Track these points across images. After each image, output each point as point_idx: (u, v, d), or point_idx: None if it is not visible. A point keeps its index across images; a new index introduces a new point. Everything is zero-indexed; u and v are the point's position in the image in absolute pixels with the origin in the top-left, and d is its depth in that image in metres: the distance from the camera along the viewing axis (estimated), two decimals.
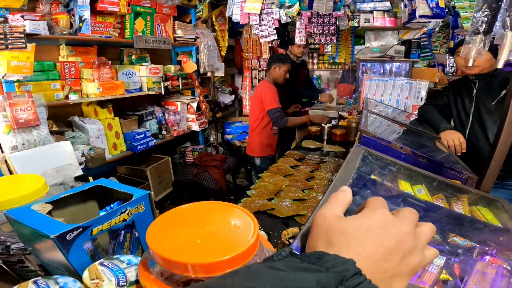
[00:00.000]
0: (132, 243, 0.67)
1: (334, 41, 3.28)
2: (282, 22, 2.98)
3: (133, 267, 0.53)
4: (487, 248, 0.75)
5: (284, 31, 3.99)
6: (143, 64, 2.80)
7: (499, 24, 0.85)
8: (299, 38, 3.08)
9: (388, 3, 2.75)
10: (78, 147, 2.16)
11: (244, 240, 0.41)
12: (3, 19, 1.68)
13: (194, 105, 3.25)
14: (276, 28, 3.03)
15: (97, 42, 2.44)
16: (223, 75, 3.71)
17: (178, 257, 0.38)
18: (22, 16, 1.79)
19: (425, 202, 0.87)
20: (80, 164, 2.05)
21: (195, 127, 3.32)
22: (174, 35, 3.05)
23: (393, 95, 2.61)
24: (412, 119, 2.08)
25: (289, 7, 2.83)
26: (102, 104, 2.49)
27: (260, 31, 3.06)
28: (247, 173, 3.86)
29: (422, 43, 3.40)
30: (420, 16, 2.34)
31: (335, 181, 0.69)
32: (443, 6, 2.34)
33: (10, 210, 0.61)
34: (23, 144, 1.82)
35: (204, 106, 3.33)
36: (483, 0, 0.86)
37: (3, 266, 0.65)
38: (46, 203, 0.66)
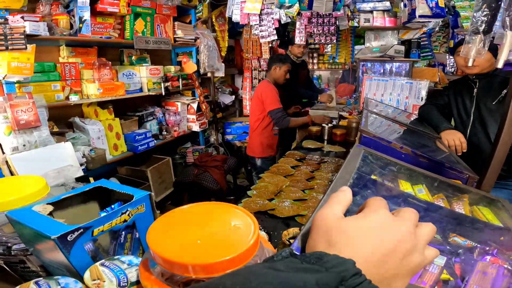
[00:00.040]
0: (132, 244, 0.68)
1: (334, 41, 3.28)
2: (282, 22, 2.98)
3: (134, 267, 0.53)
4: (487, 248, 0.75)
5: (284, 31, 3.99)
6: (143, 64, 2.80)
7: (499, 24, 0.85)
8: (299, 38, 3.09)
9: (388, 3, 2.75)
10: (79, 148, 2.17)
11: (244, 241, 0.41)
12: (3, 20, 1.68)
13: (195, 105, 3.25)
14: (276, 28, 3.03)
15: (97, 43, 2.44)
16: (223, 75, 3.71)
17: (179, 257, 0.39)
18: (22, 17, 1.79)
19: (425, 202, 0.87)
20: (81, 165, 2.05)
21: (196, 127, 3.32)
22: (174, 36, 3.06)
23: (393, 95, 2.61)
24: (412, 119, 2.08)
25: (289, 7, 2.84)
26: (102, 105, 2.49)
27: (260, 31, 3.06)
28: (248, 174, 3.86)
29: (422, 43, 3.39)
30: (420, 16, 2.34)
31: (335, 182, 0.69)
32: (443, 5, 2.34)
33: (12, 211, 0.61)
34: (24, 145, 1.82)
35: (204, 107, 3.34)
36: (482, 0, 0.86)
37: (5, 267, 0.65)
38: (47, 204, 0.67)
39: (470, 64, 0.98)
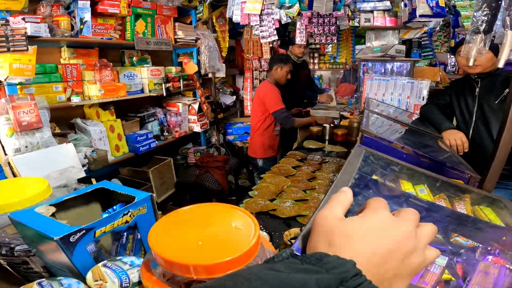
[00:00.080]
0: (134, 245, 0.68)
1: (335, 41, 3.28)
2: (283, 22, 2.98)
3: (135, 268, 0.53)
4: (489, 248, 0.75)
5: (285, 32, 3.99)
6: (144, 65, 2.81)
7: (499, 23, 0.85)
8: (300, 38, 3.09)
9: (388, 3, 2.75)
10: (81, 149, 2.17)
11: (245, 242, 0.41)
12: (4, 21, 1.68)
13: (196, 106, 3.26)
14: (276, 29, 3.04)
15: (98, 44, 2.45)
16: (224, 76, 3.72)
17: (180, 258, 0.39)
18: (23, 19, 1.79)
19: (427, 202, 0.87)
20: (83, 166, 2.06)
21: (197, 128, 3.32)
22: (175, 37, 3.06)
23: (394, 95, 2.61)
24: (413, 119, 2.08)
25: (289, 7, 2.84)
26: (104, 106, 2.50)
27: (261, 31, 3.06)
28: (249, 174, 3.86)
29: (423, 43, 3.39)
30: (421, 16, 2.34)
31: (336, 182, 0.69)
32: (443, 5, 2.33)
33: (14, 213, 0.62)
34: (26, 147, 1.83)
35: (205, 107, 3.34)
36: (482, 0, 0.86)
37: (8, 267, 0.66)
38: (50, 205, 0.67)
39: (471, 63, 0.98)
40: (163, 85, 2.86)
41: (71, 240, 0.53)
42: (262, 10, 2.92)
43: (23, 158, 1.75)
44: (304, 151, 2.09)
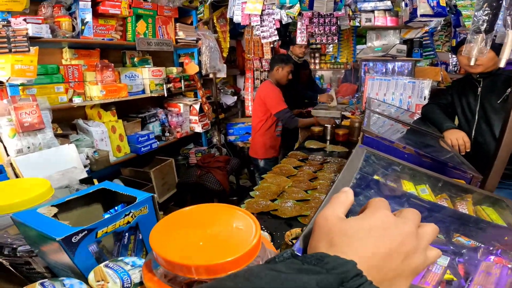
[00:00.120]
0: (136, 245, 0.68)
1: (336, 41, 3.27)
2: (283, 22, 2.98)
3: (137, 268, 0.54)
4: (491, 248, 0.75)
5: (286, 32, 3.99)
6: (146, 66, 2.82)
7: (500, 23, 0.84)
8: (301, 38, 3.09)
9: (389, 2, 2.74)
10: (83, 150, 2.18)
11: (246, 242, 0.41)
12: (5, 22, 1.69)
13: (197, 106, 3.26)
14: (277, 29, 3.03)
15: (99, 44, 2.46)
16: (225, 76, 3.72)
17: (181, 259, 0.39)
18: (25, 20, 1.80)
19: (428, 202, 0.87)
20: (85, 166, 2.06)
21: (198, 128, 3.33)
22: (176, 37, 3.07)
23: (396, 95, 2.60)
24: (415, 119, 2.07)
25: (290, 7, 2.83)
26: (105, 106, 2.51)
27: (262, 32, 3.06)
28: (250, 174, 3.86)
29: (424, 42, 3.38)
30: (422, 15, 2.33)
31: (337, 182, 0.69)
32: (444, 4, 2.33)
33: (17, 213, 0.62)
34: (28, 148, 1.84)
35: (206, 108, 3.34)
36: None
37: (11, 268, 0.66)
38: (52, 206, 0.67)
39: (472, 63, 0.98)
40: (164, 85, 2.87)
41: (73, 241, 0.54)
42: (262, 11, 2.92)
43: (25, 159, 1.76)
44: (306, 151, 2.09)
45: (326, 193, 1.39)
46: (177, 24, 3.05)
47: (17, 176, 1.72)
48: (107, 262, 0.56)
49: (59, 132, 2.14)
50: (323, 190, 1.45)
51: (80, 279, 0.54)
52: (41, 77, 2.03)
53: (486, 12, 0.84)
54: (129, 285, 0.50)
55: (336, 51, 4.68)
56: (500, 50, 0.85)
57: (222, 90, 4.16)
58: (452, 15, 2.82)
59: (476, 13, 0.87)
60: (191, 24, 3.32)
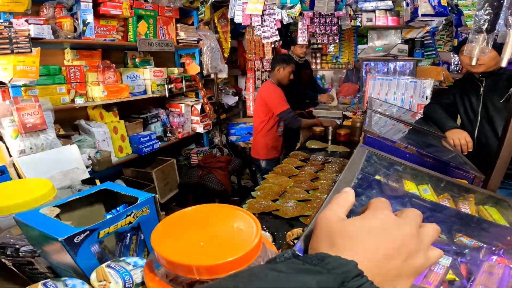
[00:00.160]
0: (138, 245, 0.68)
1: (337, 41, 3.27)
2: (284, 22, 2.98)
3: (139, 269, 0.54)
4: (494, 248, 0.75)
5: (287, 32, 3.99)
6: (147, 67, 2.82)
7: (502, 22, 0.84)
8: (302, 38, 3.08)
9: (390, 2, 2.74)
10: (85, 150, 2.19)
11: (246, 242, 0.41)
12: (7, 23, 1.69)
13: (198, 107, 3.26)
14: (278, 29, 3.03)
15: (101, 45, 2.46)
16: (227, 76, 3.72)
17: (182, 259, 0.39)
18: (27, 21, 1.80)
19: (430, 202, 0.86)
20: (87, 167, 2.07)
21: (200, 129, 3.33)
22: (177, 38, 3.07)
23: (397, 94, 2.59)
24: (417, 118, 2.07)
25: (291, 7, 2.83)
26: (107, 107, 2.51)
27: (263, 32, 3.06)
28: (252, 174, 3.86)
29: (425, 42, 3.37)
30: (423, 15, 2.33)
31: (338, 182, 0.69)
32: (445, 4, 2.32)
33: (19, 214, 0.62)
34: (30, 148, 1.85)
35: (208, 108, 3.35)
36: None
37: (13, 268, 0.66)
38: (54, 206, 0.68)
39: (473, 63, 0.98)
40: (166, 86, 2.88)
41: (75, 241, 0.54)
42: (263, 11, 2.92)
43: (28, 159, 1.77)
44: (307, 151, 2.09)
45: (327, 193, 1.39)
46: (178, 25, 3.06)
47: (19, 176, 1.73)
48: (109, 262, 0.56)
49: (61, 133, 2.15)
50: (324, 190, 1.45)
51: (82, 279, 0.54)
52: (43, 78, 2.04)
53: (487, 11, 0.84)
54: (131, 285, 0.50)
55: (338, 51, 4.68)
56: (501, 49, 0.85)
57: (223, 91, 4.16)
58: (454, 15, 2.81)
59: (477, 13, 0.87)
60: (192, 24, 3.33)
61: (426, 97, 2.46)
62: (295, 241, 0.92)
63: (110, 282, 0.50)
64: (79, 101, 2.22)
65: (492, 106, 1.60)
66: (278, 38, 3.07)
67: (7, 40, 1.67)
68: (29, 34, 1.74)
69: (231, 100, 4.19)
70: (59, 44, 2.20)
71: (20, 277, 0.67)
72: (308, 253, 0.31)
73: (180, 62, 3.49)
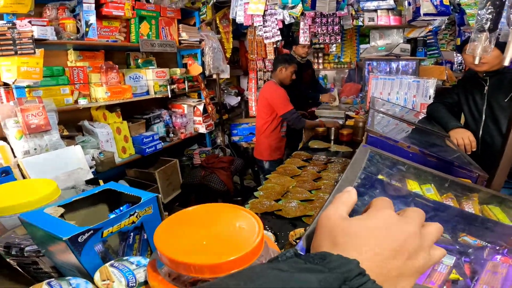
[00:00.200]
0: (141, 245, 0.69)
1: (339, 40, 3.27)
2: (286, 22, 2.98)
3: (142, 268, 0.54)
4: (498, 248, 0.74)
5: (288, 32, 3.99)
6: (150, 67, 2.84)
7: (504, 21, 0.84)
8: (303, 38, 3.08)
9: (391, 1, 2.73)
10: (88, 151, 2.20)
11: (249, 241, 0.41)
12: (11, 24, 1.70)
13: (201, 107, 3.27)
14: (280, 29, 3.03)
15: (103, 46, 2.48)
16: (229, 77, 3.73)
17: (185, 258, 0.39)
18: (30, 22, 1.81)
19: (434, 202, 0.86)
20: (91, 168, 2.08)
21: (202, 129, 3.34)
22: (179, 38, 3.08)
23: (400, 94, 2.58)
24: (420, 118, 2.06)
25: (292, 7, 2.83)
26: (110, 108, 2.53)
27: (264, 32, 3.06)
28: (255, 175, 3.86)
29: (428, 41, 3.36)
30: (425, 14, 2.32)
31: (341, 182, 0.69)
32: (448, 3, 2.31)
33: (24, 214, 0.63)
34: (35, 149, 1.86)
35: (210, 108, 3.35)
36: None
37: (18, 268, 0.67)
38: (58, 206, 0.68)
39: (476, 62, 0.97)
40: (168, 86, 2.88)
41: (79, 241, 0.54)
42: (265, 11, 2.92)
43: (32, 160, 1.78)
44: (310, 151, 2.09)
45: (330, 193, 1.38)
46: (180, 25, 3.06)
47: (24, 177, 1.74)
48: (112, 261, 0.56)
49: (65, 134, 2.17)
50: (327, 190, 1.45)
51: (86, 279, 0.54)
52: (47, 79, 2.05)
53: (489, 10, 0.84)
54: (134, 284, 0.51)
55: (340, 50, 4.66)
56: (505, 48, 0.85)
57: (225, 91, 4.17)
58: (456, 14, 2.79)
59: (479, 12, 0.86)
60: (194, 25, 3.33)
61: (429, 96, 2.45)
62: (298, 241, 0.92)
63: (113, 281, 0.51)
64: (83, 102, 2.24)
65: (497, 105, 1.58)
66: (280, 38, 3.07)
67: (11, 41, 1.68)
68: (32, 35, 1.76)
69: (233, 100, 4.19)
70: (62, 45, 2.21)
71: (25, 277, 0.68)
72: (310, 252, 0.31)
73: (182, 62, 3.50)
